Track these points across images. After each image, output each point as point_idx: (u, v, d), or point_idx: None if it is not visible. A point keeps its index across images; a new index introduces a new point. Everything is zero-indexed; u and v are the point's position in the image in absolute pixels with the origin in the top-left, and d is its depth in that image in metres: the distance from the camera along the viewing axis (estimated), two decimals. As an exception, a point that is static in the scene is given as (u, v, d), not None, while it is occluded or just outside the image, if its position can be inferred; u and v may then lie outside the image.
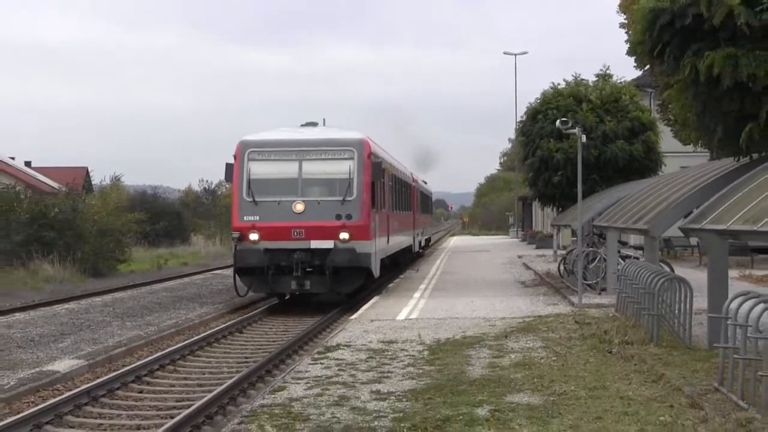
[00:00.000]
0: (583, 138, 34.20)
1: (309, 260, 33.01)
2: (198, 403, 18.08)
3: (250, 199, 33.64)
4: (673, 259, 45.69)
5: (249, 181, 33.87)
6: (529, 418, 14.47)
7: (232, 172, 34.26)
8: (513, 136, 79.65)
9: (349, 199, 33.29)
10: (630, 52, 23.27)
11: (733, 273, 25.76)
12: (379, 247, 37.24)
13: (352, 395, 16.57)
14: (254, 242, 33.22)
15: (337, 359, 20.65)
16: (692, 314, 21.30)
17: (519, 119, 56.83)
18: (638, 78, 55.20)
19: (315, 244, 32.92)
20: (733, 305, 15.58)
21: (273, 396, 16.79)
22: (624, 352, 20.18)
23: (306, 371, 19.28)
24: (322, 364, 20.14)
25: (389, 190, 43.48)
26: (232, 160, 34.53)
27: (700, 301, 21.49)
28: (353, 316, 29.36)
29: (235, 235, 33.70)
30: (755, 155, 21.43)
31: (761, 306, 14.67)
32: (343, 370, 19.20)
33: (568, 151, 44.51)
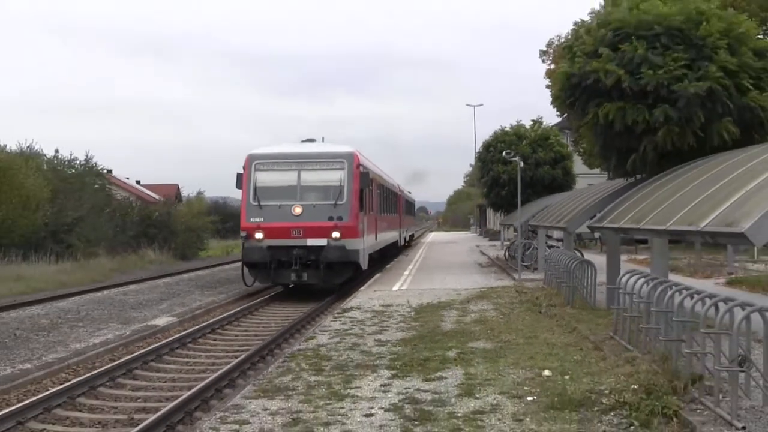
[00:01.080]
0: (521, 164, 34.26)
1: (306, 256, 28.72)
2: (253, 348, 18.18)
3: (256, 203, 29.43)
4: (583, 247, 45.64)
5: (255, 188, 29.77)
6: (484, 357, 14.54)
7: (242, 181, 30.20)
8: (473, 162, 79.41)
9: (340, 203, 29.06)
10: (552, 104, 23.33)
11: (623, 257, 25.80)
12: (367, 243, 32.42)
13: (362, 342, 16.62)
14: (259, 240, 29.01)
15: (351, 317, 20.69)
16: (596, 286, 21.37)
17: (477, 150, 56.82)
18: (560, 122, 55.47)
19: (311, 241, 28.75)
20: (624, 279, 15.64)
21: (306, 343, 16.84)
22: (549, 312, 20.22)
23: (329, 326, 19.32)
24: (340, 320, 20.18)
25: (377, 197, 37.90)
26: (242, 171, 30.58)
27: (601, 277, 21.51)
28: (362, 288, 29.38)
29: (243, 234, 29.49)
30: (638, 176, 21.52)
31: (642, 280, 14.74)
32: (355, 325, 19.23)
33: (511, 173, 44.51)
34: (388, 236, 44.44)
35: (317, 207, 29.19)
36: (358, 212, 29.70)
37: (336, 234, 28.71)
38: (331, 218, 28.80)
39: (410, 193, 76.78)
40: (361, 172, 30.35)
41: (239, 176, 30.16)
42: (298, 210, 29.00)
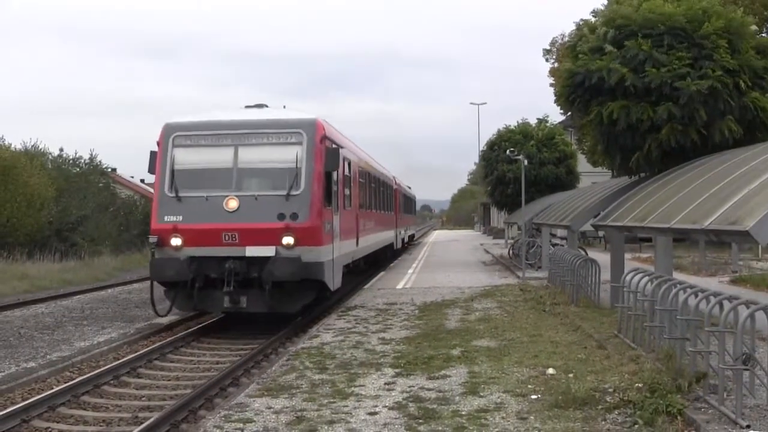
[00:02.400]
0: (526, 162, 34.28)
1: (244, 271, 19.66)
2: (266, 342, 18.22)
3: (173, 195, 20.41)
4: (587, 246, 45.63)
5: (173, 172, 20.68)
6: (488, 356, 14.55)
7: (155, 163, 21.15)
8: (477, 161, 79.38)
9: (295, 193, 19.87)
10: (556, 102, 23.33)
11: (627, 255, 25.77)
12: (340, 252, 22.85)
13: (366, 341, 16.61)
14: (176, 248, 20.02)
15: (355, 316, 20.69)
16: (600, 284, 21.36)
17: (481, 149, 56.68)
18: (564, 120, 55.47)
19: (251, 251, 19.66)
20: (628, 278, 15.63)
21: (310, 341, 16.84)
22: (553, 311, 20.21)
23: (333, 324, 19.31)
24: (344, 319, 20.18)
25: (361, 187, 29.08)
26: (157, 149, 21.39)
27: (605, 275, 21.49)
28: (366, 286, 29.32)
29: (153, 240, 20.35)
30: (642, 175, 21.51)
31: (646, 278, 14.74)
32: (359, 323, 19.23)
33: (516, 172, 44.38)
34: (379, 238, 35.67)
35: (261, 200, 20.08)
36: (322, 207, 20.47)
37: (288, 239, 19.68)
38: (281, 216, 19.80)
39: (410, 188, 68.25)
40: (327, 148, 21.09)
41: (152, 156, 21.22)
42: (233, 204, 20.04)
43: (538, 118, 51.84)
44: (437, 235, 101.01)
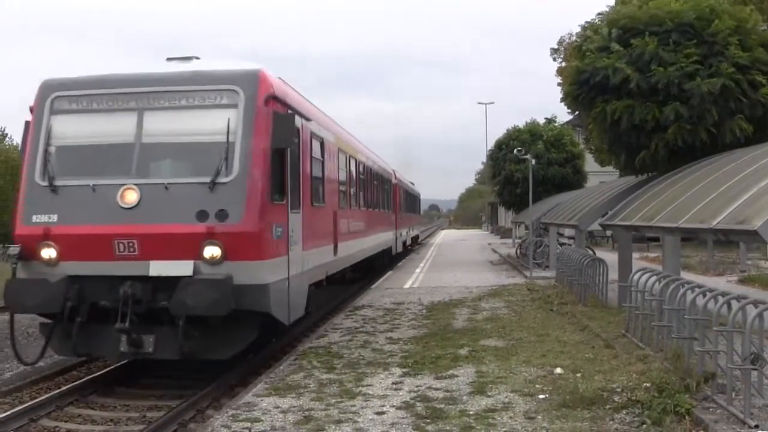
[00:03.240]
0: (534, 162, 34.30)
1: (149, 298, 13.26)
2: (277, 344, 18.20)
3: (45, 184, 13.86)
4: (594, 245, 45.57)
5: (46, 151, 14.12)
6: (496, 355, 14.53)
7: (26, 137, 14.62)
8: (485, 160, 79.34)
9: (224, 180, 13.43)
10: (563, 101, 23.25)
11: (635, 255, 25.73)
12: (304, 266, 16.21)
13: (373, 340, 16.60)
14: (48, 263, 13.52)
15: (363, 315, 20.68)
16: (608, 283, 21.32)
17: (489, 148, 56.73)
18: (572, 120, 55.52)
19: (157, 268, 13.24)
20: (635, 277, 15.61)
21: (317, 341, 16.84)
22: (561, 310, 20.19)
23: (340, 324, 19.30)
24: (352, 318, 20.17)
25: (347, 179, 23.02)
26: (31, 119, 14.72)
27: (613, 274, 21.46)
28: (373, 286, 29.31)
29: (14, 250, 13.71)
30: (650, 174, 21.47)
31: (654, 278, 14.72)
32: (366, 323, 19.21)
33: (524, 171, 44.41)
34: (371, 242, 29.20)
35: (174, 191, 13.50)
36: (266, 202, 13.77)
37: (213, 250, 13.16)
38: (203, 215, 13.22)
39: (413, 184, 61.80)
40: (278, 115, 14.26)
41: (25, 128, 14.71)
42: (131, 197, 13.47)
43: (546, 118, 51.93)
44: (444, 236, 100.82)
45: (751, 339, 9.89)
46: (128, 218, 13.21)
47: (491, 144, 55.13)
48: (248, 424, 10.23)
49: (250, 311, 13.31)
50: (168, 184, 13.40)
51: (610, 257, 24.81)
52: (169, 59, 15.36)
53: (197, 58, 15.43)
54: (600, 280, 21.38)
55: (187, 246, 12.99)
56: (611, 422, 9.92)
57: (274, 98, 14.13)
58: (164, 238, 13.04)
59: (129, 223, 13.19)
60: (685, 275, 19.24)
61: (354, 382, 12.57)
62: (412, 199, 56.32)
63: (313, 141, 17.70)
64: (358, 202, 25.86)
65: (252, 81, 14.02)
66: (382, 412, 10.65)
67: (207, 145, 13.63)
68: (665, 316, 13.19)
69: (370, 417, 10.44)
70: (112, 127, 14.06)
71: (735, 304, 10.65)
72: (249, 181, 13.32)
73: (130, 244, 13.14)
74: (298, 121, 15.51)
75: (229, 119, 13.46)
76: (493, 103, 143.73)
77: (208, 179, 13.19)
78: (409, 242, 52.55)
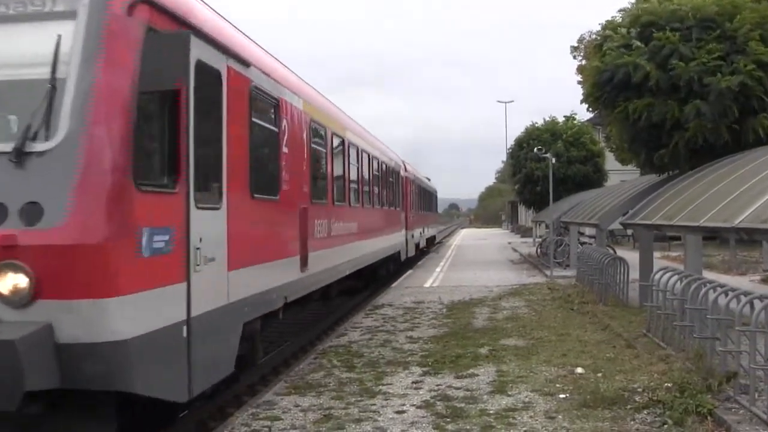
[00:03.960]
0: (554, 161, 34.22)
1: None
2: (296, 343, 18.19)
3: None
4: (615, 244, 45.42)
5: None
6: (516, 355, 14.48)
7: None
8: (505, 159, 79.16)
9: (40, 148, 7.19)
10: (583, 101, 23.17)
11: (656, 254, 25.60)
12: (228, 297, 10.02)
13: (393, 339, 16.57)
14: None
15: (382, 314, 20.65)
16: (629, 283, 21.23)
17: (509, 147, 56.61)
18: (592, 118, 55.38)
19: None
20: (657, 276, 15.53)
21: (337, 339, 16.83)
22: (582, 309, 20.09)
23: (360, 323, 19.28)
24: (371, 317, 20.15)
25: (322, 161, 17.31)
26: None
27: (634, 274, 21.35)
28: (393, 285, 29.28)
29: None
30: (671, 173, 21.38)
31: (675, 277, 14.65)
32: (386, 322, 19.18)
33: (544, 170, 44.33)
34: (369, 247, 23.36)
35: None
36: (126, 184, 7.58)
37: (11, 280, 7.11)
38: None
39: (429, 180, 57.28)
40: (153, 32, 8.16)
41: None
42: None
43: (565, 116, 51.78)
44: (464, 235, 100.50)
45: (774, 339, 9.82)
46: None
47: (511, 142, 55.04)
48: (268, 423, 10.22)
49: (87, 392, 7.43)
50: None
51: (631, 256, 24.71)
52: None
53: None
54: (621, 279, 21.30)
55: None
56: (632, 422, 9.86)
57: (150, 5, 8.21)
58: None
59: None
60: (707, 274, 19.17)
61: (374, 380, 12.55)
62: (427, 196, 51.37)
63: (259, 98, 11.94)
64: (346, 197, 20.01)
65: None
66: (402, 411, 10.63)
67: (15, 86, 7.88)
68: (687, 315, 13.12)
69: (390, 416, 10.42)
70: None
71: (758, 304, 10.57)
72: (86, 147, 7.37)
73: None
74: (215, 56, 9.81)
75: (59, 39, 7.69)
76: (512, 101, 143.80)
77: (8, 147, 7.36)
78: (423, 244, 47.18)
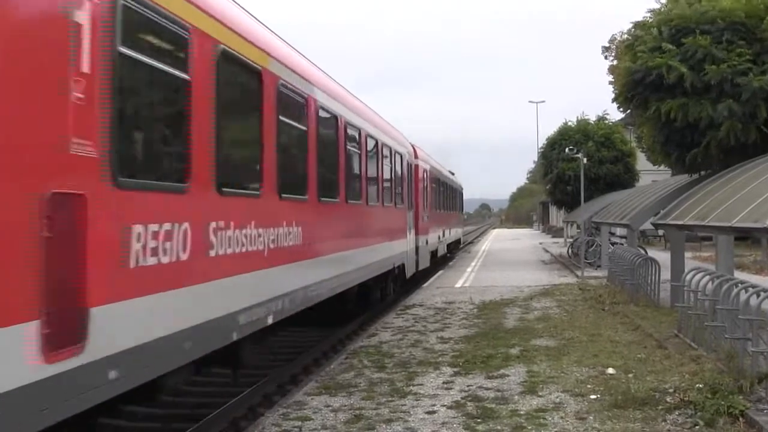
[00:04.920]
0: (585, 161, 34.10)
1: None
2: (328, 343, 18.21)
3: None
4: (646, 244, 45.21)
5: None
6: (547, 355, 14.44)
7: None
8: (536, 159, 79.03)
9: None
10: (615, 100, 23.06)
11: (687, 254, 25.45)
12: None
13: (424, 339, 16.56)
14: None
15: (413, 314, 20.64)
16: (660, 283, 21.13)
17: (540, 147, 56.33)
18: (623, 118, 55.12)
19: None
20: (688, 277, 15.46)
21: (368, 340, 16.85)
22: (613, 310, 20.01)
23: (391, 322, 19.29)
24: (402, 317, 20.15)
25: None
26: None
27: (665, 274, 21.24)
28: (425, 285, 29.26)
29: None
30: (703, 173, 21.27)
31: (707, 277, 14.56)
32: (417, 322, 19.18)
33: (575, 170, 44.18)
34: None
35: None
36: None
37: None
38: None
39: (453, 174, 50.20)
40: None
41: None
42: None
43: (597, 115, 51.55)
44: (495, 236, 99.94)
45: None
46: None
47: (542, 142, 54.80)
48: (299, 423, 10.24)
49: None
50: None
51: (663, 257, 24.60)
52: None
53: None
54: (652, 279, 21.21)
55: None
56: (663, 423, 9.80)
57: None
58: None
59: None
60: (739, 275, 19.04)
61: (405, 381, 12.55)
62: (449, 193, 44.22)
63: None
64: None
65: None
66: (433, 412, 10.62)
67: None
68: (718, 316, 13.04)
69: (421, 416, 10.41)
70: None
71: (790, 305, 10.50)
72: None
73: None
74: None
75: None
76: (544, 101, 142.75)
77: None
78: (443, 251, 39.65)
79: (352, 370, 13.54)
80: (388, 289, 23.82)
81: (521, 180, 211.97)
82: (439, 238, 36.07)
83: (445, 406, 10.92)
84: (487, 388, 11.92)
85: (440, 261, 38.08)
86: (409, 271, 26.32)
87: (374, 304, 21.79)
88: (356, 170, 18.23)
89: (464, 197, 62.16)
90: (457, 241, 52.34)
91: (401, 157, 24.91)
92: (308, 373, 14.84)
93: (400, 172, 24.63)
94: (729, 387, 10.49)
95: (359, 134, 18.42)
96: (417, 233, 28.21)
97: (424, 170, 31.15)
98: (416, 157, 29.40)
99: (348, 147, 17.03)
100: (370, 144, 19.89)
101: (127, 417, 10.78)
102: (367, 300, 20.77)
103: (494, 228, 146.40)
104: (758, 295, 11.62)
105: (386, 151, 22.14)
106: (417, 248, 28.16)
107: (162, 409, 13.25)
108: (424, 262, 30.20)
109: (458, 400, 11.19)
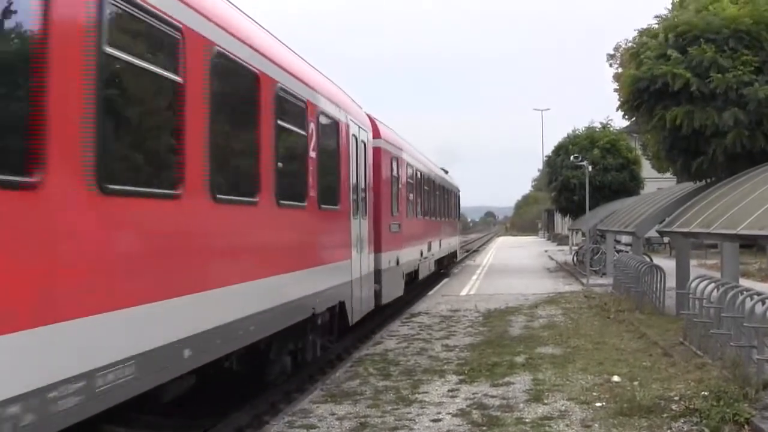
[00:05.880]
0: (590, 168, 34.09)
1: None
2: (333, 351, 18.15)
3: None
4: (652, 252, 45.13)
5: None
6: (553, 363, 14.43)
7: None
8: (541, 167, 78.98)
9: None
10: (620, 108, 23.09)
11: (693, 262, 25.43)
12: None
13: (429, 347, 16.57)
14: None
15: (419, 322, 20.64)
16: (665, 291, 21.12)
17: (546, 154, 56.39)
18: (628, 126, 55.13)
19: None
20: (693, 284, 15.45)
21: (373, 348, 16.85)
22: (618, 318, 19.98)
23: (397, 330, 19.29)
24: (408, 325, 20.15)
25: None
26: None
27: (670, 282, 21.23)
28: (430, 293, 29.24)
29: None
30: (708, 180, 21.28)
31: (712, 285, 14.55)
32: (422, 330, 19.18)
33: (581, 178, 44.18)
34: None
35: None
36: None
37: None
38: None
39: (447, 172, 43.55)
40: None
41: None
42: None
43: (600, 122, 51.57)
44: (501, 241, 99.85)
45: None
46: None
47: (548, 150, 54.85)
48: (304, 431, 10.25)
49: None
50: None
51: (668, 264, 24.56)
52: None
53: None
54: (657, 287, 21.20)
55: None
56: (669, 431, 9.80)
57: None
58: None
59: None
60: (744, 282, 18.99)
61: (410, 389, 12.55)
62: (442, 195, 36.75)
63: None
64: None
65: None
66: (438, 420, 10.61)
67: None
68: (724, 323, 13.03)
69: (426, 424, 10.41)
70: None
71: (795, 312, 10.49)
72: None
73: None
74: None
75: None
76: (548, 109, 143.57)
77: None
78: (430, 269, 31.20)
79: (357, 378, 13.54)
80: (309, 349, 14.11)
81: (526, 188, 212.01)
82: (421, 253, 27.84)
83: (450, 414, 10.92)
84: (492, 396, 11.92)
85: (424, 283, 30.36)
86: (357, 313, 16.99)
87: (276, 378, 13.20)
88: (219, 140, 9.41)
89: (469, 205, 61.61)
90: (453, 254, 43.61)
91: (339, 127, 15.44)
92: (313, 381, 14.84)
93: (337, 154, 15.38)
94: (734, 394, 10.48)
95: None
96: (377, 250, 19.56)
97: (395, 159, 22.50)
98: (378, 136, 20.22)
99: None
100: (299, 109, 12.65)
101: (132, 425, 10.75)
102: (261, 372, 12.57)
103: (499, 236, 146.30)
104: (763, 303, 11.61)
105: (328, 121, 14.56)
106: (377, 272, 19.53)
107: (167, 417, 13.27)
108: (393, 292, 21.70)
109: (463, 408, 11.18)
